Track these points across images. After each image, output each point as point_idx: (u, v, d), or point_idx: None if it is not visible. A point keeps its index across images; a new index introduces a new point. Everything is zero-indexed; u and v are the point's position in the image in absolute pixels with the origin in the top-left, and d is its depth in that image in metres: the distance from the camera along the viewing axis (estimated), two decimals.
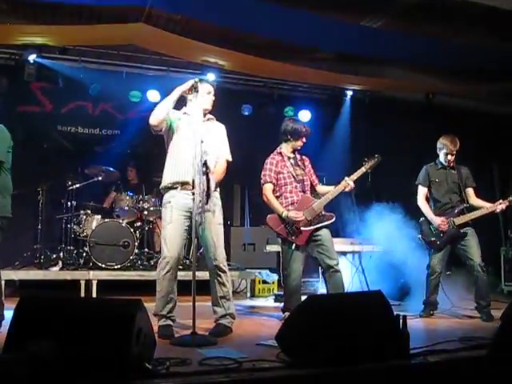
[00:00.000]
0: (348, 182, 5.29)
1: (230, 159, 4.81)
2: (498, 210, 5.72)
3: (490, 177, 10.38)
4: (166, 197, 4.60)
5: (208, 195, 4.30)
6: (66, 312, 2.98)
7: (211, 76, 8.61)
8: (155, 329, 4.40)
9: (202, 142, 4.28)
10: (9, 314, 5.15)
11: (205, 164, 4.30)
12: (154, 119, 4.51)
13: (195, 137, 4.31)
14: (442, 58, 7.87)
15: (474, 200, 5.88)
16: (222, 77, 8.97)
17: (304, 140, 5.50)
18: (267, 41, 7.94)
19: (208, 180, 4.30)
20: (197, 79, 4.59)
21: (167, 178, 4.61)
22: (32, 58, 8.20)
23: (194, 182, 4.31)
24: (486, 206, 5.77)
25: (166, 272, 4.45)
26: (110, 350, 2.77)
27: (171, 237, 4.47)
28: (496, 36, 7.32)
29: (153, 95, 8.91)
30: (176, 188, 4.53)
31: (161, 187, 4.69)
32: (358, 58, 8.45)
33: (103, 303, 3.22)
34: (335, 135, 9.76)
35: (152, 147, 9.05)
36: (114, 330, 2.81)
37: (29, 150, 8.29)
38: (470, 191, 5.93)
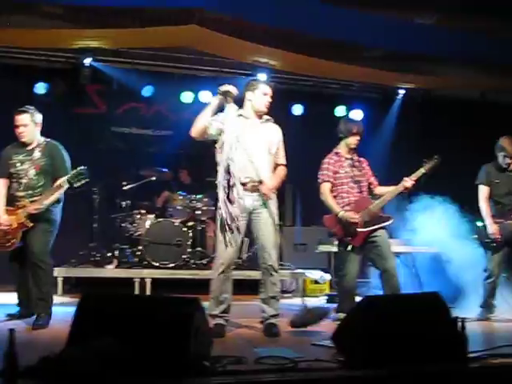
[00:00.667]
0: (407, 184, 5.22)
1: (285, 163, 4.81)
2: None
3: None
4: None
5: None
6: (126, 309, 3.04)
7: (262, 76, 8.65)
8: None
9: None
10: (64, 310, 5.38)
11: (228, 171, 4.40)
12: (193, 132, 4.61)
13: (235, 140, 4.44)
14: (498, 54, 7.70)
15: None
16: (273, 76, 8.98)
17: (357, 138, 5.43)
18: (318, 40, 7.92)
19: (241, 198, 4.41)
20: (221, 89, 4.50)
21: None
22: (87, 61, 8.43)
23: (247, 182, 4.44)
24: None
25: (220, 273, 4.47)
26: (168, 347, 2.81)
27: (226, 238, 4.47)
28: None
29: (205, 96, 9.03)
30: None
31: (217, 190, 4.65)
32: (410, 55, 8.34)
33: (162, 301, 3.26)
34: (387, 134, 9.64)
35: (204, 148, 9.13)
36: (172, 328, 2.85)
37: (84, 151, 8.48)
38: None
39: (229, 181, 4.42)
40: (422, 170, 5.31)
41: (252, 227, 4.59)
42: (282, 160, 4.80)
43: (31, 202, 4.85)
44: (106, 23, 7.75)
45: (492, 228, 5.67)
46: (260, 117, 4.70)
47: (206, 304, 4.42)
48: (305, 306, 4.67)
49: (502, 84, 8.96)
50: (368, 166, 5.61)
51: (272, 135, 4.74)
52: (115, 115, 9.21)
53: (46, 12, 7.49)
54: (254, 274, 6.87)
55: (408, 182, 5.23)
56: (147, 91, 8.90)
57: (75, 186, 4.88)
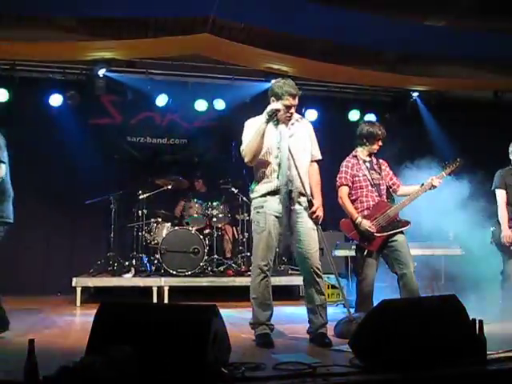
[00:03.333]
0: (435, 183, 5.16)
1: (320, 157, 4.70)
2: None
3: None
4: (258, 201, 4.45)
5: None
6: (144, 317, 3.07)
7: None
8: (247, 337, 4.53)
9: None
10: (83, 319, 5.44)
11: (289, 194, 4.29)
12: (249, 160, 4.37)
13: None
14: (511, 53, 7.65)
15: None
16: None
17: (380, 143, 5.38)
18: (330, 45, 7.94)
19: (290, 210, 4.31)
20: (268, 110, 4.30)
21: (261, 189, 4.44)
22: (101, 72, 8.50)
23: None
24: None
25: (263, 278, 4.35)
26: (186, 354, 2.83)
27: (267, 243, 4.35)
28: None
29: (218, 104, 9.09)
30: (269, 194, 4.41)
31: (252, 197, 4.51)
32: (422, 58, 8.33)
33: (180, 309, 3.29)
34: (402, 137, 9.59)
35: (219, 155, 9.24)
36: (190, 335, 2.87)
37: (100, 161, 8.60)
38: None
39: (290, 194, 4.33)
40: (442, 174, 5.27)
41: (293, 231, 4.41)
42: (318, 154, 4.68)
43: None
44: (119, 34, 7.85)
45: (506, 233, 5.63)
46: (285, 124, 4.49)
47: (225, 310, 4.47)
48: (349, 316, 4.57)
49: None
50: (388, 167, 5.55)
51: (303, 134, 4.57)
52: (130, 125, 9.29)
53: (60, 25, 7.60)
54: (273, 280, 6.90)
55: (436, 181, 5.17)
56: (161, 100, 8.96)
57: None
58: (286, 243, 4.51)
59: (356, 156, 5.43)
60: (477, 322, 3.43)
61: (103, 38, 7.92)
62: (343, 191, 5.35)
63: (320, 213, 4.43)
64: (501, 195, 5.81)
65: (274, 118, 4.31)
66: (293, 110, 4.47)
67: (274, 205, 4.36)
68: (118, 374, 2.71)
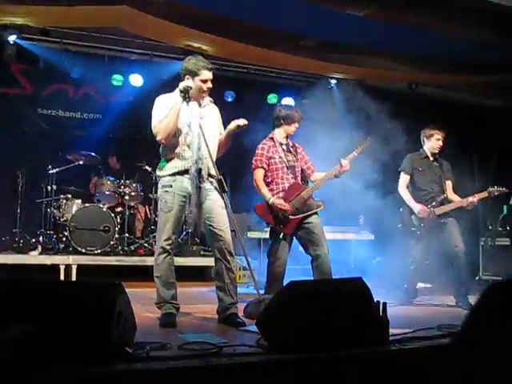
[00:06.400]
0: (342, 165, 5.23)
1: None
2: (464, 205, 5.77)
3: (470, 167, 10.44)
4: (166, 180, 4.35)
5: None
6: (46, 295, 2.94)
7: None
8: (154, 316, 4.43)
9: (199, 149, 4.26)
10: None
11: (199, 172, 4.24)
12: (163, 137, 4.24)
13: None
14: (426, 48, 7.89)
15: (450, 193, 5.95)
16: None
17: (297, 125, 5.45)
18: (252, 27, 7.88)
19: (200, 188, 4.25)
20: (181, 87, 4.24)
21: (171, 167, 4.35)
22: (12, 38, 8.10)
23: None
24: (456, 200, 5.84)
25: (166, 256, 4.32)
26: (90, 333, 2.74)
27: (173, 222, 4.29)
28: (483, 29, 7.37)
29: (135, 79, 8.88)
30: (178, 173, 4.33)
31: (161, 175, 4.41)
32: (342, 46, 8.43)
33: (83, 286, 3.16)
34: (318, 123, 9.73)
35: (133, 132, 9.03)
36: (94, 314, 2.77)
37: (8, 133, 8.20)
38: (449, 184, 6.01)
39: (200, 173, 4.26)
40: (354, 154, 5.37)
41: (202, 210, 4.34)
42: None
43: None
44: None
45: (417, 207, 5.81)
46: (199, 104, 4.44)
47: (132, 290, 4.37)
48: (259, 297, 4.53)
49: (430, 77, 9.22)
50: (303, 151, 5.60)
51: (214, 117, 4.56)
52: (42, 96, 8.93)
53: None
54: (181, 261, 6.86)
55: (344, 161, 5.25)
56: (76, 73, 8.64)
57: None
58: (196, 222, 4.43)
59: (272, 138, 5.46)
60: (381, 304, 3.52)
61: (11, 1, 7.49)
62: (258, 174, 5.36)
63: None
64: (403, 178, 6.04)
65: (187, 95, 4.24)
66: (210, 85, 4.41)
67: (183, 184, 4.31)
68: (15, 354, 2.58)
